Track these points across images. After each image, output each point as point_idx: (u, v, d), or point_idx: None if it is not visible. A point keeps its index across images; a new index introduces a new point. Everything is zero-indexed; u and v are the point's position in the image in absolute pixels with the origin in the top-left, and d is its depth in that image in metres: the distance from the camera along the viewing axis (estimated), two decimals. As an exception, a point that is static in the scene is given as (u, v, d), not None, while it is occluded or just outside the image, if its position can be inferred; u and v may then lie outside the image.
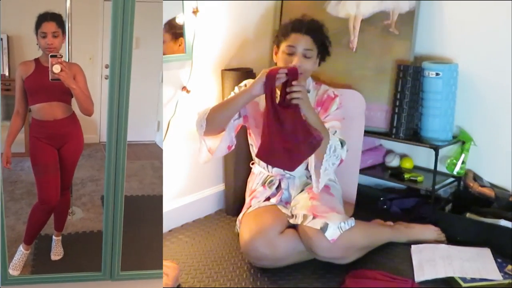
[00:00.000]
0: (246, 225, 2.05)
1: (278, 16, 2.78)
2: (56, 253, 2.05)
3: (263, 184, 2.21)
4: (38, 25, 1.81)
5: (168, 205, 2.42)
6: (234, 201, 2.55)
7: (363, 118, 2.41)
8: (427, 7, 2.44)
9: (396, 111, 2.38)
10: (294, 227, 2.01)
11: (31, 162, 1.93)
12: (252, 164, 2.33)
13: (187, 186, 2.52)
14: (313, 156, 1.92)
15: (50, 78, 1.72)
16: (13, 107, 1.86)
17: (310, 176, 2.18)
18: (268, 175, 2.21)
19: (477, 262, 1.97)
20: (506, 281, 1.86)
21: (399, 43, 2.42)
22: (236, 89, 2.14)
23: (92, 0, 3.61)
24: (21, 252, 1.96)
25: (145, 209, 2.22)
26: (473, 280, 1.86)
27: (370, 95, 2.46)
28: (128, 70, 1.57)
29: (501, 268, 1.94)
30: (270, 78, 1.83)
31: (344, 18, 2.55)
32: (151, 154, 2.50)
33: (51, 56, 1.74)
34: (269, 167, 2.19)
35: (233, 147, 2.13)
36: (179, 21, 2.28)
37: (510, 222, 2.10)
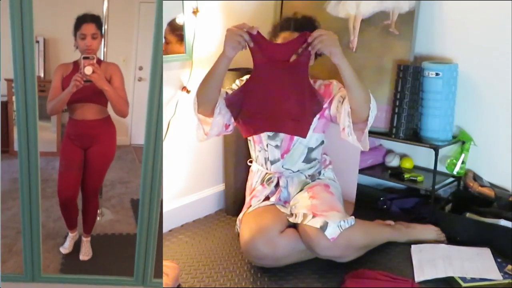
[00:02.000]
0: (246, 224, 2.05)
1: (278, 16, 2.78)
2: (85, 253, 2.09)
3: (262, 182, 2.21)
4: (78, 26, 1.83)
5: (168, 205, 2.42)
6: (234, 201, 2.55)
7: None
8: (427, 7, 2.44)
9: (396, 111, 2.38)
10: (294, 226, 2.01)
11: (59, 157, 1.99)
12: (250, 162, 2.33)
13: (187, 186, 2.52)
14: (347, 116, 1.85)
15: (82, 80, 1.76)
16: None
17: (309, 175, 2.19)
18: (266, 173, 2.21)
19: (477, 262, 1.97)
20: (506, 281, 1.86)
21: (399, 43, 2.42)
22: (238, 82, 2.14)
23: (128, 2, 3.63)
24: (69, 236, 2.11)
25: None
26: (473, 280, 1.86)
27: (370, 95, 2.46)
28: (161, 73, 1.55)
29: (501, 268, 1.94)
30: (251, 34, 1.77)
31: (344, 18, 2.55)
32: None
33: (84, 58, 1.77)
34: (267, 164, 2.18)
35: (231, 128, 2.06)
36: (179, 21, 2.28)
37: (510, 222, 2.10)
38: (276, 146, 2.14)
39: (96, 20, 1.85)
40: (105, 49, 2.24)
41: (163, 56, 2.22)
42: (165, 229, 2.39)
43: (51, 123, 2.77)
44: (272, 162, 2.17)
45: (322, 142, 2.21)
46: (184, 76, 2.37)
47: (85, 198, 2.03)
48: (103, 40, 2.06)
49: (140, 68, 3.72)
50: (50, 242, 2.13)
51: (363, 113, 1.86)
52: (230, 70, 2.49)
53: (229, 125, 2.05)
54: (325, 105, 2.03)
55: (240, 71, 2.47)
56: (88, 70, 1.75)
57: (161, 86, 1.56)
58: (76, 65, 1.90)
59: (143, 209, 1.67)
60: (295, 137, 2.11)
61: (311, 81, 2.15)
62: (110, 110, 1.96)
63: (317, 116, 2.05)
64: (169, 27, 2.26)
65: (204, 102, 1.93)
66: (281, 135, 2.11)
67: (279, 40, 2.03)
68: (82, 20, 1.83)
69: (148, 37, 1.55)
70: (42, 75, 2.69)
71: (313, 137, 2.13)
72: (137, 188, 2.86)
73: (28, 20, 1.45)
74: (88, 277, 1.83)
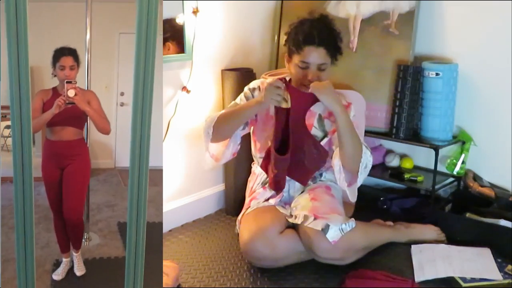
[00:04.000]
0: (245, 225, 2.05)
1: (278, 16, 2.78)
2: (79, 268, 2.19)
3: (263, 185, 2.20)
4: (57, 58, 2.01)
5: (168, 205, 2.42)
6: (234, 201, 2.55)
7: (363, 118, 2.41)
8: (427, 7, 2.44)
9: (396, 111, 2.38)
10: (293, 227, 2.01)
11: (43, 180, 2.11)
12: (253, 164, 2.33)
13: (187, 186, 2.52)
14: (342, 169, 1.93)
15: (65, 102, 1.90)
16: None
17: (311, 179, 2.18)
18: (267, 176, 2.20)
19: (477, 262, 1.97)
20: (506, 281, 1.86)
21: (399, 43, 2.42)
22: (243, 96, 2.10)
23: (108, 33, 3.83)
24: (63, 261, 2.19)
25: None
26: (473, 280, 1.86)
27: (370, 95, 2.46)
28: (151, 95, 1.58)
29: (501, 268, 1.94)
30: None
31: (344, 18, 2.55)
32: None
33: (67, 82, 1.93)
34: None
35: (236, 153, 2.17)
36: (179, 21, 2.28)
37: (510, 222, 2.10)
38: None
39: (73, 53, 2.03)
40: (88, 77, 2.40)
41: (163, 56, 2.23)
42: (165, 229, 2.39)
43: (35, 148, 2.82)
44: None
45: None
46: (184, 76, 2.37)
47: (68, 219, 2.08)
48: (86, 69, 2.30)
49: (122, 94, 4.03)
50: (39, 269, 2.15)
51: (354, 166, 1.91)
52: (230, 70, 2.50)
53: (235, 152, 2.16)
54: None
55: (240, 71, 2.48)
56: (71, 92, 1.91)
57: (147, 106, 1.59)
58: (55, 91, 2.07)
59: (131, 233, 1.69)
60: None
61: None
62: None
63: (328, 136, 2.08)
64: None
65: (221, 137, 2.03)
66: None
67: (303, 55, 1.93)
68: (60, 53, 2.00)
69: (129, 65, 1.62)
70: None
71: None
72: (123, 211, 2.93)
73: (23, 50, 1.49)
74: None
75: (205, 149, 2.11)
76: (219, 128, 1.97)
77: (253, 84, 2.14)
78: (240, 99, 2.12)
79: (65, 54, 2.00)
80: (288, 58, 2.03)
